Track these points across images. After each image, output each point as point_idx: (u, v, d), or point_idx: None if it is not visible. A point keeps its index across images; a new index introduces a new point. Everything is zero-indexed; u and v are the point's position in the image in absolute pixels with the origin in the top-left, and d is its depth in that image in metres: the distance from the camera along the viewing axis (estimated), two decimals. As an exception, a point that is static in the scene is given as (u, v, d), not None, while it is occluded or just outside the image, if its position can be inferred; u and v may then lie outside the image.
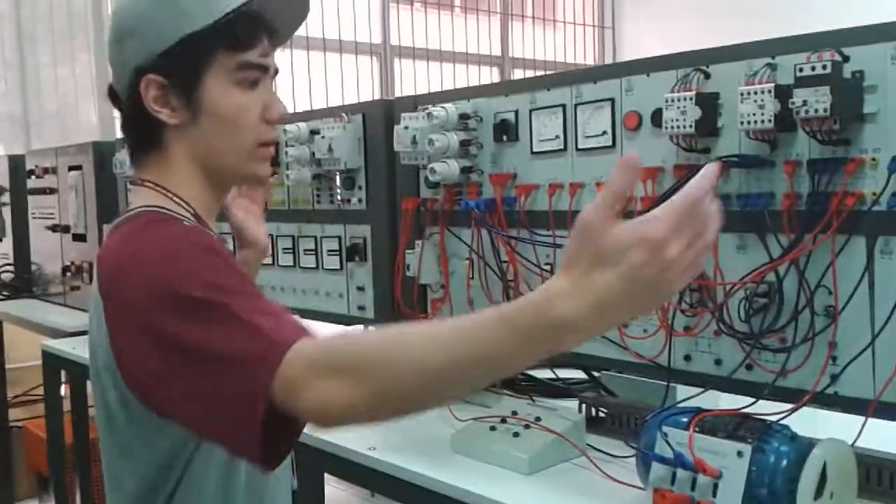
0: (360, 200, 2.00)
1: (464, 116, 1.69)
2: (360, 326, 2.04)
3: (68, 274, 3.16)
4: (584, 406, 1.64)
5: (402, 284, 1.85)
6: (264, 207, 1.58)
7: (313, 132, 2.01)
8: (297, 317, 0.99)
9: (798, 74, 1.15)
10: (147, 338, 0.98)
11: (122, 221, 1.13)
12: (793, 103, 1.16)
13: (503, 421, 1.51)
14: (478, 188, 1.71)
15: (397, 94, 5.75)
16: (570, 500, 1.30)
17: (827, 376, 1.22)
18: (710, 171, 0.79)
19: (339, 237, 2.07)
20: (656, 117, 1.39)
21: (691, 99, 1.30)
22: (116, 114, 1.27)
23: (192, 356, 0.95)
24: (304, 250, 2.16)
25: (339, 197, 2.06)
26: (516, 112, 1.64)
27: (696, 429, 1.16)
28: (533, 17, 6.92)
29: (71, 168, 3.12)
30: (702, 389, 1.36)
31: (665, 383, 1.44)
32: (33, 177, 3.40)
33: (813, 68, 1.14)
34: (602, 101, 1.49)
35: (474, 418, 1.56)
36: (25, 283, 3.56)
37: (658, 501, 1.14)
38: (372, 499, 3.66)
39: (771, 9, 5.49)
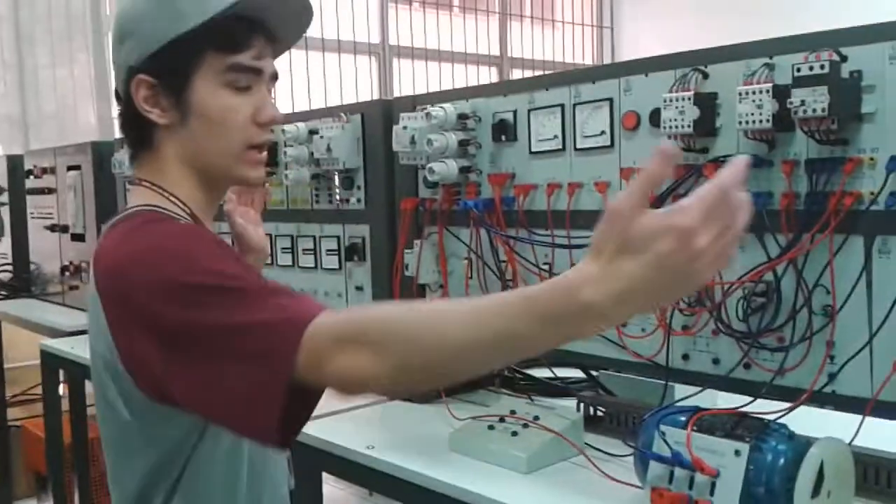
0: (358, 200, 2.00)
1: (462, 116, 1.70)
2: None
3: (67, 273, 3.16)
4: (582, 405, 1.64)
5: (401, 284, 1.86)
6: (262, 210, 1.59)
7: (312, 132, 2.01)
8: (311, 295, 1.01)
9: (796, 74, 1.16)
10: (153, 333, 0.99)
11: (119, 221, 1.13)
12: (791, 103, 1.16)
13: (502, 420, 1.51)
14: (476, 188, 1.71)
15: (396, 93, 5.75)
16: (568, 499, 1.30)
17: (825, 375, 1.22)
18: (739, 162, 0.78)
19: (338, 237, 2.07)
20: (654, 117, 1.40)
21: (689, 99, 1.31)
22: (115, 114, 1.28)
23: (209, 341, 0.96)
24: (303, 250, 2.16)
25: (337, 197, 2.06)
26: (515, 112, 1.64)
27: (694, 428, 1.16)
28: (531, 17, 6.92)
29: (69, 168, 3.12)
30: (700, 388, 1.36)
31: (663, 382, 1.45)
32: (32, 177, 3.40)
33: (811, 68, 1.15)
34: (600, 101, 1.49)
35: (473, 417, 1.56)
36: (24, 282, 3.56)
37: (656, 500, 1.14)
38: (370, 498, 3.66)
39: (769, 8, 5.50)
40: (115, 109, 1.22)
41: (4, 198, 3.60)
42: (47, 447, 3.09)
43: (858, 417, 1.19)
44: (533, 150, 1.61)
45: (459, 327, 0.85)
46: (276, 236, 2.21)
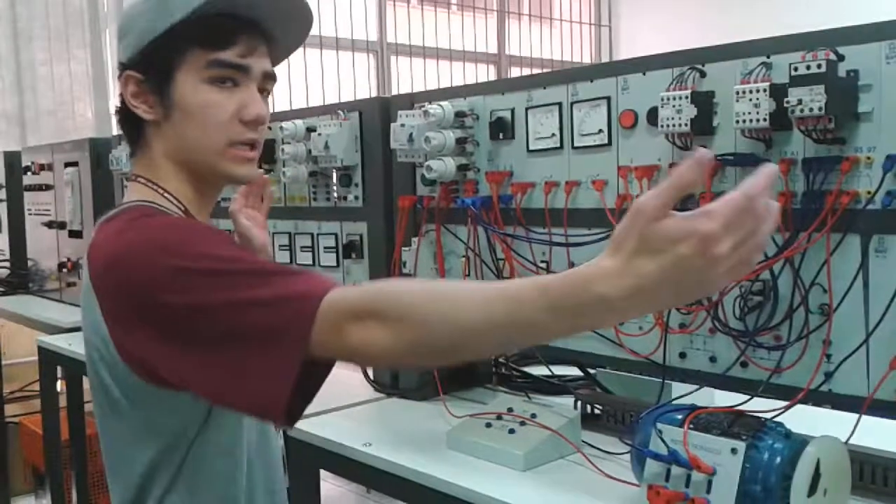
0: (356, 198, 2.00)
1: (460, 114, 1.70)
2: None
3: (64, 270, 3.16)
4: (579, 403, 1.65)
5: (399, 282, 1.86)
6: (267, 210, 1.62)
7: (310, 129, 2.02)
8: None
9: (793, 73, 1.16)
10: (152, 323, 1.00)
11: (111, 216, 1.14)
12: (788, 102, 1.16)
13: (499, 417, 1.51)
14: (474, 186, 1.71)
15: (394, 91, 5.75)
16: (565, 497, 1.30)
17: (821, 374, 1.22)
18: (768, 171, 0.79)
19: (336, 234, 2.07)
20: (652, 116, 1.40)
21: (687, 97, 1.31)
22: (112, 110, 1.30)
23: (214, 321, 0.97)
24: (301, 247, 2.16)
25: (335, 194, 2.06)
26: (512, 110, 1.64)
27: (691, 426, 1.16)
28: (530, 15, 6.92)
29: (67, 164, 3.12)
30: (697, 387, 1.36)
31: (660, 380, 1.45)
32: (29, 173, 3.39)
33: (808, 67, 1.15)
34: (598, 99, 1.50)
35: (470, 415, 1.56)
36: (21, 279, 3.55)
37: (652, 498, 1.14)
38: (368, 495, 3.66)
39: (768, 6, 5.50)
40: (113, 106, 1.24)
41: (2, 194, 3.60)
42: (45, 444, 3.09)
43: (855, 416, 1.20)
44: (531, 148, 1.61)
45: (474, 310, 0.86)
46: (273, 234, 2.21)
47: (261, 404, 0.97)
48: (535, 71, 6.11)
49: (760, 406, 1.23)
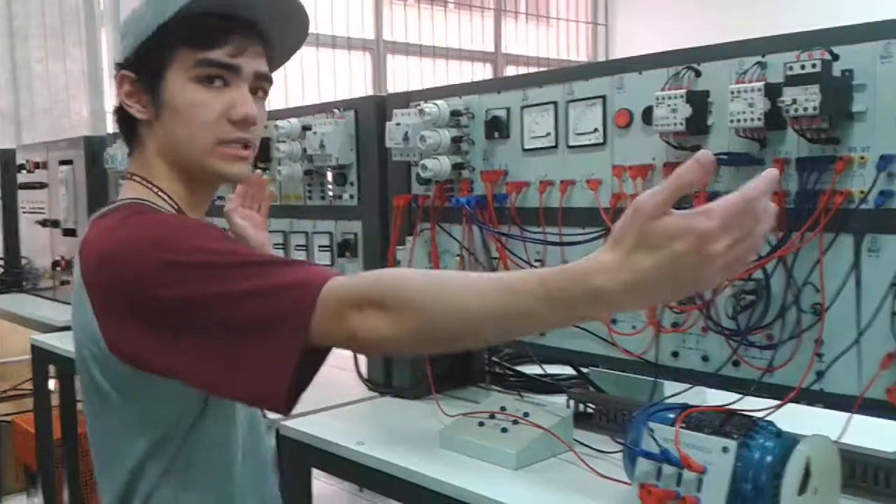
0: (351, 196, 2.00)
1: (456, 113, 1.70)
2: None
3: (58, 268, 3.15)
4: (572, 402, 1.65)
5: (393, 280, 1.85)
6: (267, 210, 1.63)
7: (305, 128, 2.01)
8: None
9: (788, 73, 1.16)
10: (144, 318, 1.01)
11: (104, 213, 1.15)
12: (782, 102, 1.16)
13: (492, 416, 1.51)
14: (469, 185, 1.71)
15: (390, 89, 5.75)
16: (557, 496, 1.30)
17: (813, 373, 1.23)
18: (769, 175, 0.81)
19: (331, 233, 2.07)
20: (647, 115, 1.40)
21: (682, 97, 1.31)
22: (107, 109, 1.31)
23: (209, 312, 0.98)
24: (296, 245, 2.16)
25: (330, 193, 2.06)
26: (508, 109, 1.64)
27: (682, 425, 1.17)
28: (526, 14, 6.93)
29: (61, 163, 3.11)
30: (689, 386, 1.37)
31: (652, 379, 1.45)
32: (24, 171, 3.39)
33: (803, 67, 1.15)
34: (594, 98, 1.50)
35: (463, 414, 1.56)
36: (15, 277, 3.54)
37: (644, 496, 1.14)
38: (360, 494, 3.66)
39: (766, 5, 5.51)
40: (108, 104, 1.25)
41: (-4, 192, 3.60)
42: (37, 442, 3.08)
43: (846, 415, 1.20)
44: (526, 147, 1.61)
45: (475, 299, 0.88)
46: (268, 232, 2.20)
47: (260, 393, 0.98)
48: (532, 69, 6.11)
49: (752, 405, 1.24)
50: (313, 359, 0.97)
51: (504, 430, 1.47)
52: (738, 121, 1.23)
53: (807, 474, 1.10)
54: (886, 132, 1.15)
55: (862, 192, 1.17)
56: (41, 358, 2.76)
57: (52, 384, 2.98)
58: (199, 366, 1.00)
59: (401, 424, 1.70)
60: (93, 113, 4.51)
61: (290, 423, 1.66)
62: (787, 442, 1.12)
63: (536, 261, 1.59)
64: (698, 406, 1.23)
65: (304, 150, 2.02)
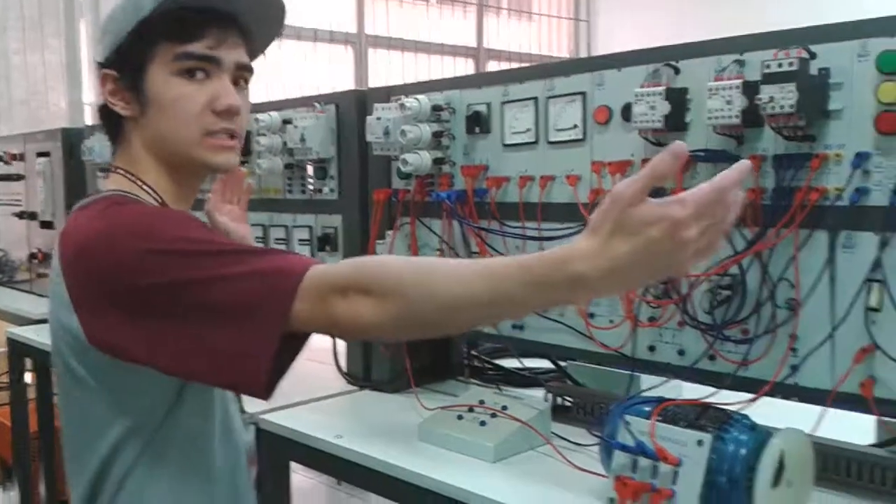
0: (331, 190, 2.00)
1: (436, 108, 1.70)
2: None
3: (35, 261, 3.12)
4: (550, 395, 1.66)
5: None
6: (246, 203, 1.64)
7: (286, 121, 2.01)
8: None
9: (765, 71, 1.17)
10: (123, 306, 1.02)
11: (86, 203, 1.16)
12: (760, 99, 1.17)
13: (470, 410, 1.52)
14: (449, 180, 1.72)
15: (371, 83, 5.74)
16: (534, 488, 1.31)
17: (787, 367, 1.24)
18: (741, 166, 0.85)
19: (311, 227, 2.06)
20: (626, 112, 1.41)
21: (661, 94, 1.32)
22: (86, 100, 1.32)
23: (188, 298, 0.99)
24: (275, 239, 2.16)
25: (310, 187, 2.06)
26: (489, 104, 1.64)
27: (658, 418, 1.18)
28: (508, 9, 6.94)
29: (39, 154, 3.09)
30: (665, 379, 1.38)
31: (629, 373, 1.46)
32: (1, 163, 3.35)
33: (780, 65, 1.16)
34: (574, 94, 1.50)
35: (442, 407, 1.57)
36: (-9, 269, 3.51)
37: (619, 489, 1.15)
38: (339, 487, 3.66)
39: (746, 3, 5.55)
40: (86, 96, 1.25)
41: (-28, 183, 3.55)
42: (13, 435, 3.06)
43: (820, 408, 1.22)
44: (506, 142, 1.61)
45: (457, 284, 0.90)
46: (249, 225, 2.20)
47: (239, 378, 0.99)
48: (514, 65, 6.13)
49: (728, 398, 1.25)
50: (293, 344, 0.98)
51: (482, 423, 1.48)
52: (716, 118, 1.24)
53: (781, 467, 1.12)
54: (862, 130, 1.16)
55: (837, 189, 1.19)
56: (17, 351, 2.73)
57: (28, 377, 2.96)
58: (178, 353, 1.00)
59: (380, 418, 1.71)
60: (71, 105, 4.48)
61: (268, 416, 1.66)
62: (762, 435, 1.13)
63: (516, 255, 1.60)
64: (674, 399, 1.24)
65: (285, 144, 2.01)
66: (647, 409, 1.21)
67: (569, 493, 1.28)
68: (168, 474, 1.13)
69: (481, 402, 1.53)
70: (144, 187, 1.18)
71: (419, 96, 1.69)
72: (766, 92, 1.17)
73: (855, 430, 1.29)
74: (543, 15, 7.17)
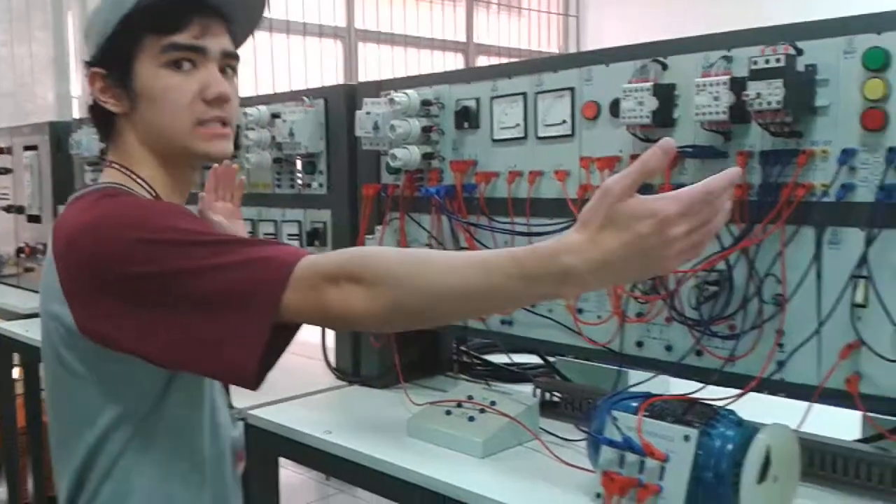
0: (320, 185, 1.99)
1: (426, 103, 1.70)
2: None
3: (22, 255, 3.11)
4: (538, 390, 1.66)
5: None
6: (239, 199, 1.65)
7: (274, 116, 2.00)
8: None
9: (752, 67, 1.18)
10: (115, 295, 1.02)
11: (81, 195, 1.16)
12: (747, 95, 1.18)
13: (459, 405, 1.52)
14: (438, 175, 1.72)
15: (361, 78, 5.72)
16: (522, 484, 1.31)
17: (774, 363, 1.25)
18: (732, 172, 0.86)
19: (300, 221, 2.06)
20: (614, 107, 1.41)
21: (649, 90, 1.32)
22: (74, 94, 1.32)
23: (180, 287, 0.99)
24: (264, 234, 2.15)
25: (299, 181, 2.05)
26: (478, 100, 1.64)
27: (645, 413, 1.18)
28: (498, 4, 6.93)
29: (26, 148, 3.07)
30: (652, 375, 1.38)
31: (617, 368, 1.47)
32: (-13, 156, 3.33)
33: (767, 61, 1.16)
34: (562, 90, 1.50)
35: (430, 402, 1.57)
36: (-22, 264, 3.49)
37: (607, 484, 1.16)
38: (327, 482, 3.66)
39: None
40: (74, 89, 1.26)
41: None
42: (1, 431, 3.04)
43: (806, 404, 1.22)
44: (495, 137, 1.61)
45: (449, 275, 0.91)
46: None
47: (229, 368, 1.00)
48: (504, 60, 6.13)
49: (715, 394, 1.26)
50: (283, 335, 0.99)
51: (471, 418, 1.48)
52: (704, 114, 1.24)
53: (767, 462, 1.12)
54: (848, 126, 1.17)
55: (824, 186, 1.19)
56: (5, 346, 2.72)
57: (16, 372, 2.95)
58: (168, 342, 1.01)
59: (368, 413, 1.71)
60: (58, 98, 4.45)
61: (257, 411, 1.66)
62: (748, 430, 1.14)
63: (505, 251, 1.60)
64: (661, 395, 1.24)
65: (274, 138, 2.01)
66: (634, 404, 1.21)
67: (556, 489, 1.28)
68: (155, 463, 1.14)
69: (470, 397, 1.53)
70: (138, 180, 1.18)
71: (408, 91, 1.69)
72: (753, 88, 1.17)
73: (841, 425, 1.30)
74: (533, 10, 7.16)
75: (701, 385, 1.30)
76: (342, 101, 1.93)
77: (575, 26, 7.35)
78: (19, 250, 3.12)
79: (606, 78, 1.44)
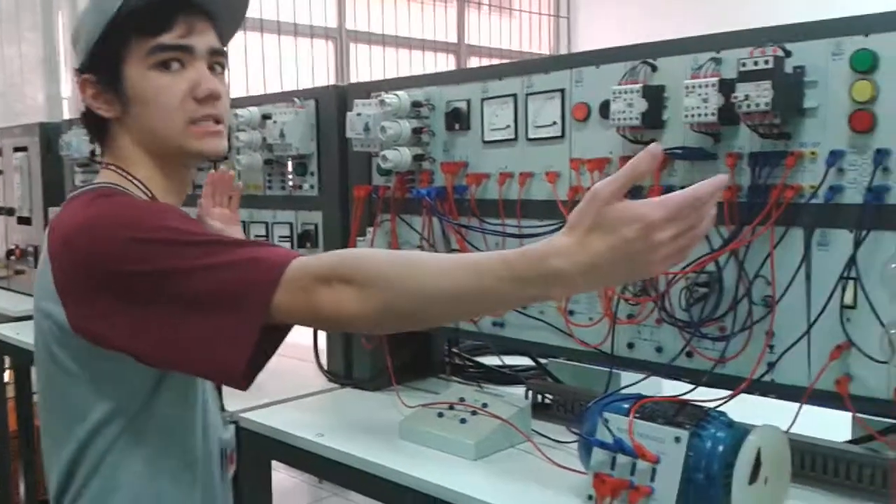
0: (311, 186, 1.99)
1: (416, 104, 1.70)
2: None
3: (12, 258, 3.09)
4: (530, 392, 1.66)
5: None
6: (237, 204, 1.65)
7: (265, 117, 2.00)
8: None
9: (741, 69, 1.18)
10: (109, 294, 1.03)
11: (77, 195, 1.17)
12: (735, 97, 1.18)
13: (451, 407, 1.52)
14: (429, 176, 1.72)
15: (352, 79, 5.72)
16: (514, 486, 1.31)
17: (764, 364, 1.25)
18: (719, 179, 0.88)
19: (291, 223, 2.06)
20: (604, 109, 1.41)
21: (638, 91, 1.32)
22: (64, 95, 1.33)
23: (173, 286, 1.00)
24: (255, 236, 2.15)
25: (290, 183, 2.05)
26: (468, 101, 1.64)
27: (637, 415, 1.18)
28: (489, 5, 6.93)
29: (16, 149, 3.06)
30: (644, 376, 1.39)
31: (608, 370, 1.47)
32: (-24, 158, 3.31)
33: (756, 63, 1.17)
34: (552, 91, 1.51)
35: (422, 405, 1.57)
36: (-32, 266, 3.47)
37: (598, 486, 1.16)
38: (320, 486, 3.66)
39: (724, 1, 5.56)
40: (64, 90, 1.27)
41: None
42: (-8, 434, 3.04)
43: (796, 405, 1.23)
44: (486, 139, 1.61)
45: (440, 277, 0.92)
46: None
47: (218, 368, 1.00)
48: (495, 61, 6.13)
49: (705, 395, 1.26)
50: (274, 336, 1.00)
51: (463, 420, 1.48)
52: (693, 116, 1.25)
53: (757, 464, 1.13)
54: (837, 128, 1.17)
55: (812, 187, 1.19)
56: (-5, 349, 2.71)
57: (7, 375, 2.94)
58: (159, 341, 1.02)
59: (361, 416, 1.71)
60: (49, 99, 4.43)
61: (249, 414, 1.66)
62: (739, 432, 1.14)
63: (496, 252, 1.60)
64: (652, 396, 1.25)
65: (264, 140, 2.00)
66: (625, 406, 1.21)
67: (548, 490, 1.28)
68: (144, 460, 1.14)
69: (462, 399, 1.53)
70: (134, 181, 1.19)
71: (399, 92, 1.69)
72: (741, 90, 1.17)
73: (831, 427, 1.30)
74: (524, 11, 7.17)
75: (692, 386, 1.30)
76: (333, 103, 1.92)
77: (566, 28, 7.36)
78: (9, 252, 3.11)
79: (596, 79, 1.44)
